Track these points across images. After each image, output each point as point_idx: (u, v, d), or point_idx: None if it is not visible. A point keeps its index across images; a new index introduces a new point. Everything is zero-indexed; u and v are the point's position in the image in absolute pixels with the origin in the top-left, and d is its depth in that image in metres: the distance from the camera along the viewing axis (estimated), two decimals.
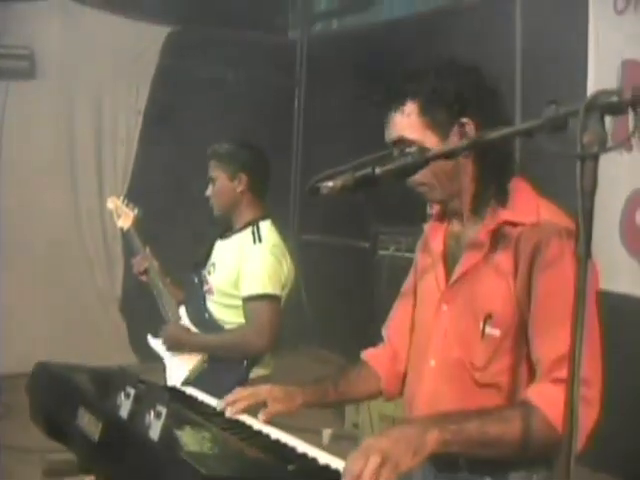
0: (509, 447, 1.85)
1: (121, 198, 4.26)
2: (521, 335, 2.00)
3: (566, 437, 1.43)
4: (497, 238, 2.06)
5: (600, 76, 4.93)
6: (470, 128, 2.06)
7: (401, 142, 2.10)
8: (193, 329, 3.84)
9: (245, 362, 3.68)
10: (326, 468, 1.78)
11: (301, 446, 1.95)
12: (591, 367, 1.81)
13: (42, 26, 7.35)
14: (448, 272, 2.21)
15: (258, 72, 8.36)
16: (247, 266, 3.69)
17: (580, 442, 1.74)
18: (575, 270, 1.73)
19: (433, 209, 2.39)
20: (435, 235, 2.32)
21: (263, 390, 2.33)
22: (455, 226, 2.26)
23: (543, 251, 1.95)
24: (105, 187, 7.97)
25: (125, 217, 4.17)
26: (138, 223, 4.16)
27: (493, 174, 2.12)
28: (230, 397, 2.29)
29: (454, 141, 2.07)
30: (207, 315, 3.82)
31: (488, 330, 2.02)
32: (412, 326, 2.38)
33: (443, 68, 2.13)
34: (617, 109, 1.44)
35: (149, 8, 7.61)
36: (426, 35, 6.65)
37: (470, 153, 2.06)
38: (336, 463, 1.77)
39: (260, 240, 3.73)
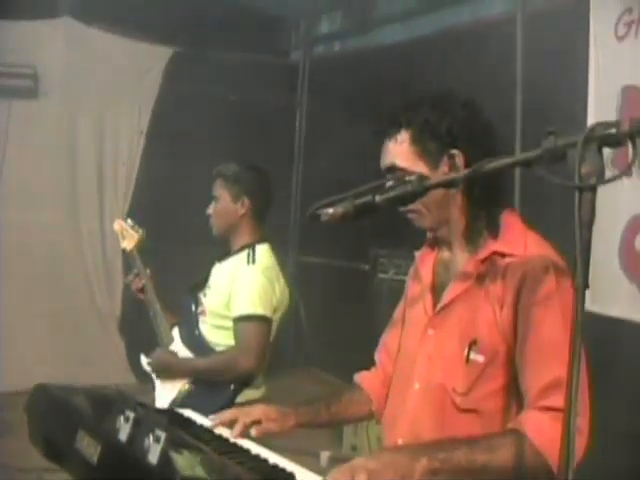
0: (497, 475, 1.86)
1: (128, 221, 4.25)
2: (504, 363, 2.02)
3: (562, 466, 1.43)
4: (486, 268, 2.10)
5: (600, 101, 4.94)
6: (459, 160, 2.12)
7: (393, 169, 2.17)
8: (185, 351, 3.86)
9: (232, 385, 3.66)
10: None
11: (300, 472, 1.94)
12: (579, 396, 1.83)
13: (46, 45, 7.40)
14: (436, 299, 2.24)
15: (260, 93, 8.39)
16: (238, 286, 3.70)
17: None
18: (563, 302, 1.83)
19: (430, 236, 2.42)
20: (425, 262, 2.37)
21: (257, 409, 2.37)
22: (444, 253, 2.30)
23: (531, 285, 1.98)
24: (106, 206, 8.00)
25: (129, 238, 4.16)
26: (141, 244, 4.16)
27: (482, 206, 2.17)
28: (222, 416, 2.35)
29: (444, 171, 2.13)
30: (198, 336, 3.82)
31: (472, 356, 2.05)
32: (398, 351, 2.41)
33: (438, 100, 2.19)
34: (615, 141, 1.46)
35: (153, 29, 7.65)
36: (427, 59, 6.69)
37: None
38: None
39: (254, 262, 3.74)
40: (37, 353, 6.99)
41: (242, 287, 3.69)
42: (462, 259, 2.20)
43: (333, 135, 8.10)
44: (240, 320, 3.65)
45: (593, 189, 1.43)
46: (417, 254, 2.42)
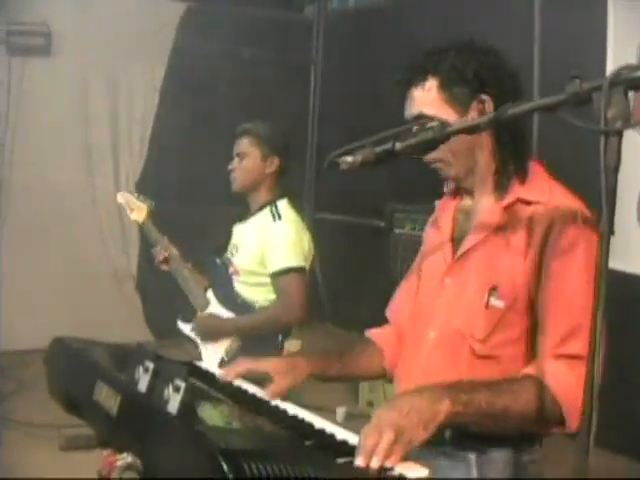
0: (515, 420, 1.88)
1: (135, 195, 4.23)
2: (524, 310, 2.03)
3: (585, 417, 1.41)
4: (509, 216, 2.09)
5: (619, 57, 4.87)
6: (489, 105, 2.10)
7: (420, 118, 2.13)
8: (224, 312, 3.88)
9: (280, 336, 3.79)
10: (344, 444, 1.78)
11: (318, 422, 1.95)
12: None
13: (59, 3, 7.33)
14: (455, 247, 2.23)
15: (274, 50, 8.33)
16: (270, 243, 3.77)
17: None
18: (588, 253, 1.88)
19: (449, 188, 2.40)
20: (445, 211, 2.36)
21: (267, 362, 2.35)
22: (467, 202, 2.29)
23: (558, 233, 1.98)
24: (121, 165, 7.97)
25: (138, 210, 4.13)
26: (153, 215, 4.13)
27: (512, 151, 2.15)
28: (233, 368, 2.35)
29: (473, 117, 2.09)
30: (236, 296, 3.88)
31: (492, 301, 2.05)
32: (414, 302, 2.40)
33: (463, 46, 2.17)
34: None
35: None
36: (444, 13, 6.62)
37: (490, 129, 2.05)
38: (353, 439, 1.76)
39: (280, 217, 3.82)
40: (51, 312, 6.97)
41: (275, 243, 3.77)
42: (485, 206, 2.18)
43: (348, 91, 8.04)
44: (278, 274, 3.74)
45: (619, 133, 1.40)
46: (437, 203, 2.41)
